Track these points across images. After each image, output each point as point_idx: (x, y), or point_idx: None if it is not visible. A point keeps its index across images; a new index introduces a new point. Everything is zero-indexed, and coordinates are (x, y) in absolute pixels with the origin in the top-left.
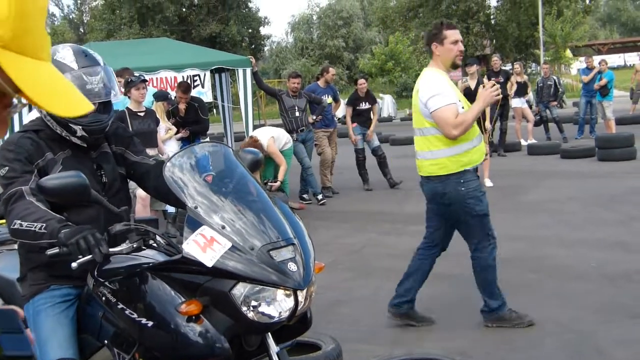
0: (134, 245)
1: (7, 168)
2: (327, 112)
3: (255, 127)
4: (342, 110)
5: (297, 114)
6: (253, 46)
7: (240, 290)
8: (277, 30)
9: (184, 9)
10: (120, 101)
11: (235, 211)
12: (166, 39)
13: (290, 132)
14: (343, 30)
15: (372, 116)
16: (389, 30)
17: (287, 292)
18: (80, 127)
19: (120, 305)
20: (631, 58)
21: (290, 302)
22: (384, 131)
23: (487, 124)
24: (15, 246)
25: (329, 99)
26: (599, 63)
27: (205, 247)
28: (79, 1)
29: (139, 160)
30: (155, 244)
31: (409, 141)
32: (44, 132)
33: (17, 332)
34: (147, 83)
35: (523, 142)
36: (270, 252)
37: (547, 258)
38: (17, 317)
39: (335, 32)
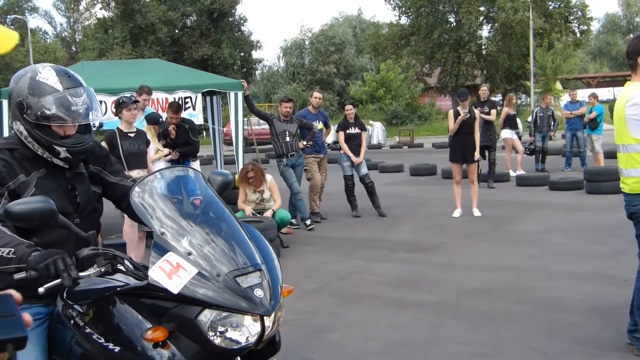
0: (102, 270)
1: None
2: (318, 138)
3: (245, 151)
4: (332, 136)
5: (287, 138)
6: (244, 69)
7: (206, 316)
8: (269, 54)
9: (176, 31)
10: (114, 121)
11: (203, 236)
12: (158, 60)
13: (280, 156)
14: (335, 56)
15: (361, 142)
16: (381, 57)
17: (254, 318)
18: (65, 148)
19: (88, 330)
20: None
21: (257, 327)
22: (373, 158)
23: (477, 155)
24: None
25: (319, 125)
26: (589, 97)
27: (171, 273)
28: (71, 20)
29: (116, 181)
30: (123, 268)
31: (398, 169)
32: (18, 152)
33: (9, 315)
34: (138, 104)
35: (512, 173)
36: (237, 278)
37: (534, 289)
38: (13, 300)
39: (327, 58)
